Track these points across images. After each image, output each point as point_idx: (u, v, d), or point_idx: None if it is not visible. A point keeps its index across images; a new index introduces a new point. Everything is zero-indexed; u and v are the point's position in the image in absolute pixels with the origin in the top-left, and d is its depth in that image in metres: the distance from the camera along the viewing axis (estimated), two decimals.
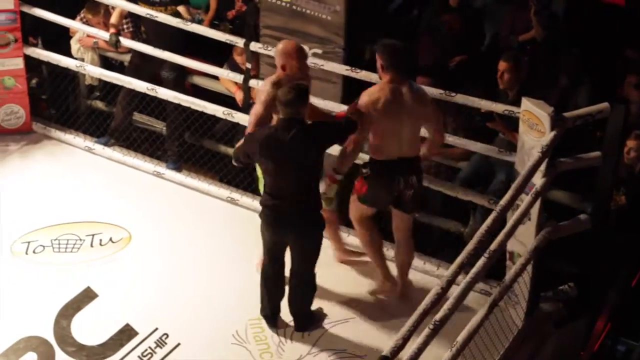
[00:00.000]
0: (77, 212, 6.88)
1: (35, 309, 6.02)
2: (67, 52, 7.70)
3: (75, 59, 7.67)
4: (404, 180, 5.78)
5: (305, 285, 5.82)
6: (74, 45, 7.84)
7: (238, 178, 7.07)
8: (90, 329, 5.89)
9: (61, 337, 5.83)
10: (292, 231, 5.63)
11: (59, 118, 7.91)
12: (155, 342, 5.82)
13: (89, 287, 6.19)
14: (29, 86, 7.76)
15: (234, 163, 5.80)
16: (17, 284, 6.20)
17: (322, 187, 5.75)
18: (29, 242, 6.57)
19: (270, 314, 5.91)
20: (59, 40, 7.77)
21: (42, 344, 5.79)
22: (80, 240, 6.61)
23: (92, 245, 6.58)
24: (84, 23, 7.75)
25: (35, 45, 7.76)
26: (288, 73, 5.70)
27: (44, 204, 6.95)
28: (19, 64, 7.58)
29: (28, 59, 7.61)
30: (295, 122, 5.42)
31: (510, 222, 5.00)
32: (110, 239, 6.63)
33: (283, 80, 5.62)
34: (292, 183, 5.52)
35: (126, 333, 5.87)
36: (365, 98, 5.68)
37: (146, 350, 5.78)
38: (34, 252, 6.51)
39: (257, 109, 5.74)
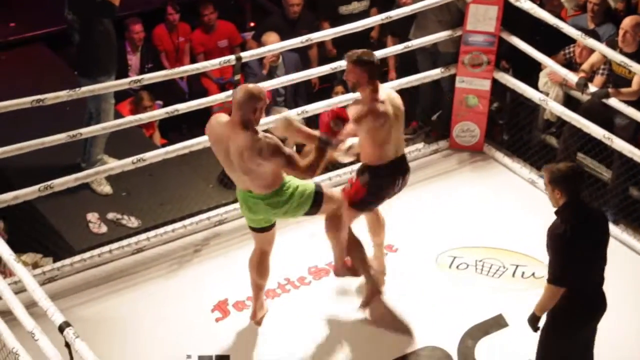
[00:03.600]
0: (507, 239, 6.94)
1: (446, 321, 6.18)
2: (534, 84, 7.76)
3: (540, 92, 7.71)
4: (403, 178, 6.01)
5: None
6: (542, 78, 7.87)
7: None
8: (493, 355, 5.94)
9: (464, 355, 5.94)
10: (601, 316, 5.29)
11: (511, 145, 8.02)
12: None
13: (501, 315, 6.24)
14: (490, 109, 7.95)
15: (558, 287, 5.09)
16: (436, 294, 6.40)
17: None
18: (454, 257, 6.76)
19: None
20: (531, 71, 7.85)
21: (444, 357, 5.93)
22: (504, 267, 6.67)
23: (513, 276, 6.62)
24: (567, 57, 7.77)
25: (507, 71, 7.91)
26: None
27: (476, 224, 7.10)
28: (485, 85, 7.78)
29: (495, 83, 7.80)
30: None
31: None
32: (533, 274, 6.62)
33: None
34: (603, 263, 5.19)
35: None
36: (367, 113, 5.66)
37: None
38: (457, 267, 6.68)
39: None
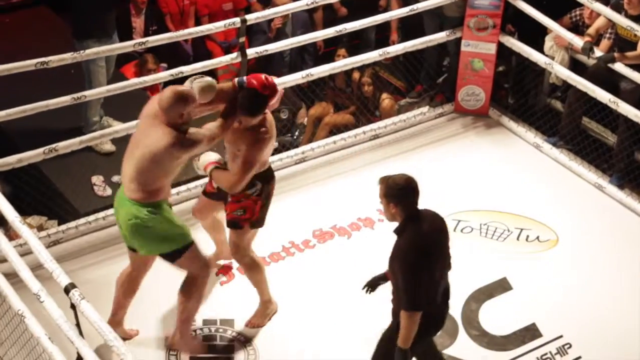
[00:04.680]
0: (511, 203, 6.94)
1: (450, 285, 6.17)
2: (540, 48, 7.72)
3: (546, 55, 7.67)
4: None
5: None
6: (548, 42, 7.84)
7: None
8: (497, 318, 5.96)
9: (468, 318, 5.97)
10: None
11: (516, 109, 8.00)
12: (556, 349, 5.79)
13: (505, 278, 6.26)
14: (495, 72, 7.92)
15: (418, 312, 4.65)
16: None
17: None
18: (459, 221, 6.76)
19: None
20: (536, 34, 7.81)
21: (448, 320, 5.90)
22: (508, 231, 6.68)
23: (518, 239, 6.63)
24: (573, 21, 7.72)
25: (512, 35, 7.86)
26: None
27: (480, 187, 7.11)
28: (491, 49, 7.73)
29: (501, 47, 7.75)
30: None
31: None
32: (537, 238, 6.63)
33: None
34: (445, 273, 4.90)
35: (531, 332, 5.88)
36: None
37: (546, 354, 5.76)
38: (461, 231, 6.69)
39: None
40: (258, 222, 5.64)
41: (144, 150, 5.08)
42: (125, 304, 5.65)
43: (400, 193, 4.64)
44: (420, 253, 4.61)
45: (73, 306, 4.64)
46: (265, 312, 5.90)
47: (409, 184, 4.67)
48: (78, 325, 4.65)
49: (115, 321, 5.62)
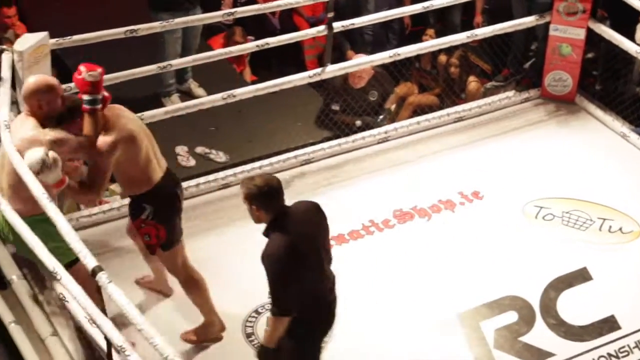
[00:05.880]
0: (594, 192, 6.83)
1: (529, 271, 6.12)
2: (631, 35, 7.56)
3: (637, 44, 7.52)
4: (180, 189, 5.32)
5: None
6: (639, 30, 7.69)
7: None
8: (575, 308, 5.88)
9: (546, 307, 5.89)
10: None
11: (603, 97, 7.86)
12: (635, 343, 5.69)
13: (585, 268, 6.16)
14: (583, 59, 7.79)
15: (285, 316, 4.54)
16: (520, 244, 6.35)
17: None
18: (541, 207, 6.67)
19: None
20: (629, 22, 7.66)
21: (525, 307, 5.88)
22: (591, 220, 6.57)
23: (600, 229, 6.51)
24: None
25: (604, 20, 7.71)
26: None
27: (564, 175, 7.01)
28: (580, 34, 7.58)
29: (590, 32, 7.61)
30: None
31: None
32: (620, 229, 6.51)
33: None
34: (328, 263, 4.72)
35: (609, 324, 5.79)
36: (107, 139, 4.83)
37: (624, 347, 5.67)
38: (543, 218, 6.60)
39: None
40: (169, 243, 5.23)
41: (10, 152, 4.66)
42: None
43: (260, 194, 4.46)
44: (286, 259, 4.43)
45: (99, 289, 4.05)
46: (203, 332, 5.46)
47: (269, 185, 4.48)
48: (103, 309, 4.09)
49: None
